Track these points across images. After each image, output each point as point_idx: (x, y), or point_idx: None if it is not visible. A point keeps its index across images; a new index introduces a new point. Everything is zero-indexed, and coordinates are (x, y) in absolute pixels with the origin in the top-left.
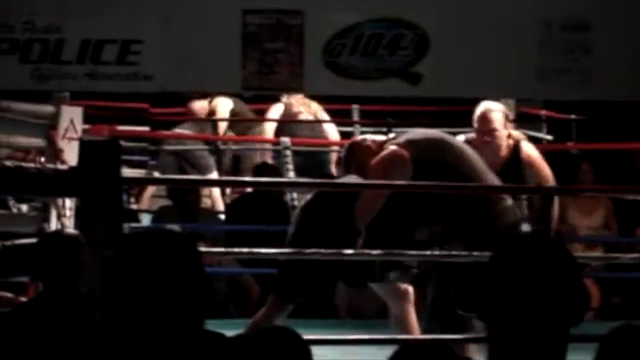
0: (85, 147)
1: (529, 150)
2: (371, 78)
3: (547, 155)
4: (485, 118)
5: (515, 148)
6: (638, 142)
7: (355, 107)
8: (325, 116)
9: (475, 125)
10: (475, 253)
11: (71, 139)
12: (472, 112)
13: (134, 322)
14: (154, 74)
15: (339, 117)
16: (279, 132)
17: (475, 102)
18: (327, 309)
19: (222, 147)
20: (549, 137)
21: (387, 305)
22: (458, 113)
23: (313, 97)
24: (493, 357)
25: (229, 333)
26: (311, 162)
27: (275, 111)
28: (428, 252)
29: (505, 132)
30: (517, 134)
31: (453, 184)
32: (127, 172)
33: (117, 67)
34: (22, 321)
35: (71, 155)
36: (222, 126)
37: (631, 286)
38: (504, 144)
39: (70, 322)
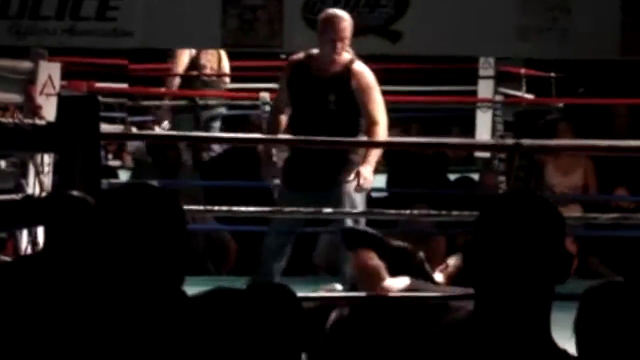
0: (63, 102)
1: (363, 68)
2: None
3: (526, 112)
4: (340, 26)
5: (350, 63)
6: (618, 98)
7: None
8: (226, 62)
9: (327, 31)
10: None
11: (49, 94)
12: (452, 70)
13: (112, 277)
14: (133, 30)
15: None
16: (184, 85)
17: (455, 60)
18: (306, 266)
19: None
20: (529, 96)
21: None
22: (438, 71)
23: (291, 54)
24: (479, 314)
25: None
26: (206, 116)
27: (182, 62)
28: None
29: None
30: (351, 51)
31: (427, 141)
32: (106, 128)
33: (96, 22)
34: (16, 277)
35: (49, 111)
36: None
37: (609, 244)
38: (345, 55)
39: (71, 283)
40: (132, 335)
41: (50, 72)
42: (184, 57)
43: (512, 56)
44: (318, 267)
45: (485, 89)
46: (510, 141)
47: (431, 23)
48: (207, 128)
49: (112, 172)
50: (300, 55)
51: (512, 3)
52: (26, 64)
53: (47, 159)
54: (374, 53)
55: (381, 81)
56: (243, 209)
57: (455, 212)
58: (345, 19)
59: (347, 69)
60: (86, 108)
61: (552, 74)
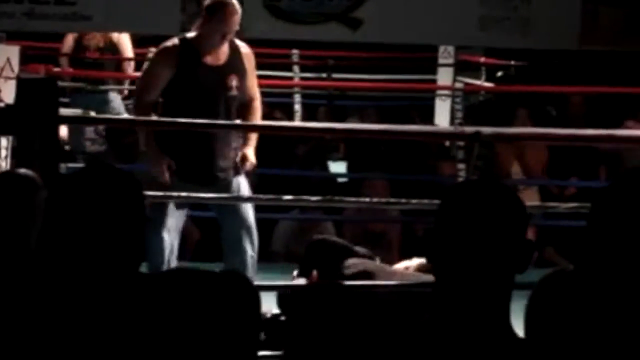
0: (22, 84)
1: (248, 48)
2: (311, 22)
3: (486, 102)
4: (235, 19)
5: (232, 43)
6: (574, 86)
7: (295, 52)
8: (126, 44)
9: (221, 22)
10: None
11: (8, 78)
12: (411, 58)
13: (69, 261)
14: (92, 15)
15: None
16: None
17: (415, 48)
18: (264, 254)
19: None
20: (488, 85)
21: None
22: (397, 59)
23: (252, 41)
24: (439, 302)
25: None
26: (94, 100)
27: (67, 43)
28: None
29: None
30: None
31: (397, 129)
32: (64, 112)
33: (55, 6)
34: None
35: (8, 94)
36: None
37: (566, 234)
38: None
39: (21, 266)
40: (88, 316)
41: (8, 55)
42: (70, 37)
43: (473, 45)
44: (276, 254)
45: (444, 77)
46: (469, 130)
47: (392, 11)
48: (100, 112)
49: (71, 157)
50: (175, 40)
51: None
52: None
53: (5, 142)
54: (334, 40)
55: (340, 69)
56: (203, 195)
57: (414, 201)
58: (239, 10)
59: (235, 51)
60: (45, 90)
61: (512, 62)
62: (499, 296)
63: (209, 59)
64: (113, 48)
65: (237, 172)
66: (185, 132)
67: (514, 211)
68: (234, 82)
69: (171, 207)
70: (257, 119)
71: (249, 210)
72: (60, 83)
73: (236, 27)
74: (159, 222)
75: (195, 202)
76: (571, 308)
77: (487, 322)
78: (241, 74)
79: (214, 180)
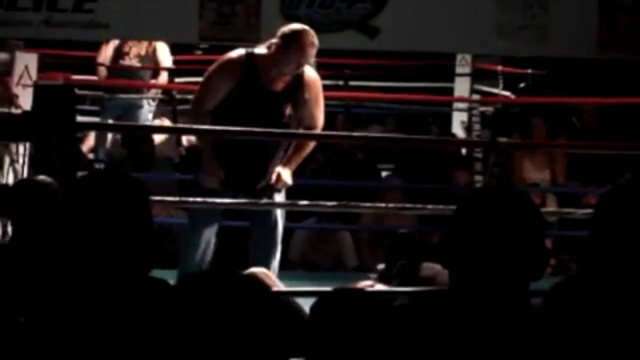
0: (39, 91)
1: (313, 76)
2: (329, 30)
3: (502, 110)
4: (313, 52)
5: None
6: (591, 97)
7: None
8: (163, 53)
9: (299, 54)
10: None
11: (26, 85)
12: (428, 67)
13: (77, 264)
14: (110, 23)
15: None
16: (110, 75)
17: (432, 56)
18: (281, 261)
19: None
20: (506, 93)
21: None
22: (414, 67)
23: None
24: (455, 309)
25: None
26: (124, 106)
27: (105, 51)
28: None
29: None
30: None
31: (412, 137)
32: (82, 120)
33: (73, 14)
34: None
35: (25, 101)
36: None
37: (582, 243)
38: None
39: (39, 270)
40: (101, 321)
41: (26, 63)
42: (110, 46)
43: (491, 53)
44: (293, 263)
45: (461, 86)
46: (486, 138)
47: (409, 19)
48: (126, 119)
49: (90, 166)
50: (242, 53)
51: (491, 0)
52: (2, 55)
53: (22, 149)
54: (352, 48)
55: (358, 76)
56: (219, 200)
57: (430, 206)
58: (317, 42)
59: (299, 78)
60: (62, 97)
61: (529, 71)
62: (515, 303)
63: (266, 82)
64: (153, 57)
65: (270, 190)
66: (232, 144)
67: (531, 218)
68: (287, 111)
69: (208, 213)
70: (306, 149)
71: (278, 223)
72: (88, 92)
73: (312, 59)
74: (196, 227)
75: (225, 207)
76: (582, 315)
77: (502, 328)
78: (298, 102)
79: (252, 189)
